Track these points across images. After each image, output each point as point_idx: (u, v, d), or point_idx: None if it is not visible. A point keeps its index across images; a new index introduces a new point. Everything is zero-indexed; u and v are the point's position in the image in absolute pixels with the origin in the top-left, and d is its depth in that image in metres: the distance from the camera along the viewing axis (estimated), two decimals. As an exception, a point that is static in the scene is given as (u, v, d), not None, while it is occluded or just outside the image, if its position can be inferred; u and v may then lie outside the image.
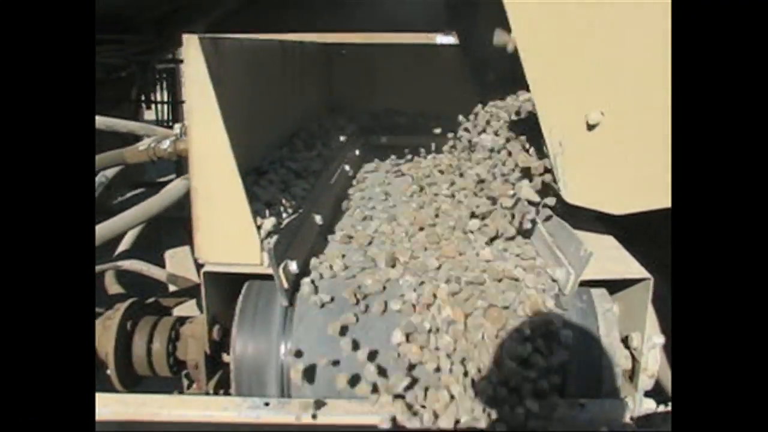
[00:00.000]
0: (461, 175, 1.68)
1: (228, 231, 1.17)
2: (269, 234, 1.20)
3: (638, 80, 1.09)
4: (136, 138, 1.79)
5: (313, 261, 1.28)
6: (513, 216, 1.39)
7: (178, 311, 1.64)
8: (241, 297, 1.23)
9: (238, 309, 1.21)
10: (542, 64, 1.13)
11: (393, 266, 1.25)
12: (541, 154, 1.34)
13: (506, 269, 1.22)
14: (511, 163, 1.42)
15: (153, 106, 4.87)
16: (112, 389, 1.28)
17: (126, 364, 1.32)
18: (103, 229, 1.53)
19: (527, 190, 1.33)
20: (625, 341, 1.18)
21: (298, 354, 1.13)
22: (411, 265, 1.25)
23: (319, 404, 1.08)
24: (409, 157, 2.21)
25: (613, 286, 1.20)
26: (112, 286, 2.08)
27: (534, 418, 1.03)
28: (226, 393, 1.24)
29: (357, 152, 2.35)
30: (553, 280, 1.19)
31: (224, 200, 1.16)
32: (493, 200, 1.43)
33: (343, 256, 1.31)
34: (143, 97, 3.84)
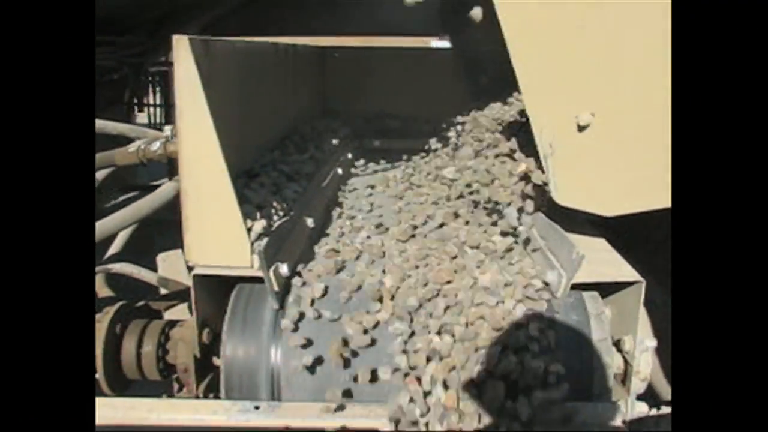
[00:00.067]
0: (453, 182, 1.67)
1: (218, 233, 1.16)
2: (260, 236, 1.19)
3: (629, 82, 1.09)
4: (127, 140, 1.77)
5: (295, 285, 1.20)
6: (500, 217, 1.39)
7: (168, 315, 1.63)
8: (231, 300, 1.22)
9: (228, 312, 1.20)
10: (533, 65, 1.13)
11: (380, 300, 1.16)
12: (531, 157, 1.34)
13: (506, 311, 1.13)
14: (498, 167, 1.42)
15: (145, 109, 4.87)
16: (100, 393, 1.27)
17: (115, 367, 1.30)
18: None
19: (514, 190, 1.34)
20: (618, 344, 1.18)
21: None
22: (400, 299, 1.16)
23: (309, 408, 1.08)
24: (400, 160, 2.20)
25: (605, 289, 1.20)
26: (102, 289, 2.07)
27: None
28: (217, 397, 1.23)
29: (350, 155, 2.34)
30: (545, 284, 1.19)
31: (214, 202, 1.15)
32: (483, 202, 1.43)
33: (326, 289, 1.21)
34: (136, 100, 3.82)
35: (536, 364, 1.06)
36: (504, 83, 1.81)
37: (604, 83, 1.10)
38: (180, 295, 1.73)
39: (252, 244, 1.17)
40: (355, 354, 1.12)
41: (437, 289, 1.17)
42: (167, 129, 1.65)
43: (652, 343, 1.12)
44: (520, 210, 1.34)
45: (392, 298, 1.17)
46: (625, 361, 1.17)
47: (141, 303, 1.46)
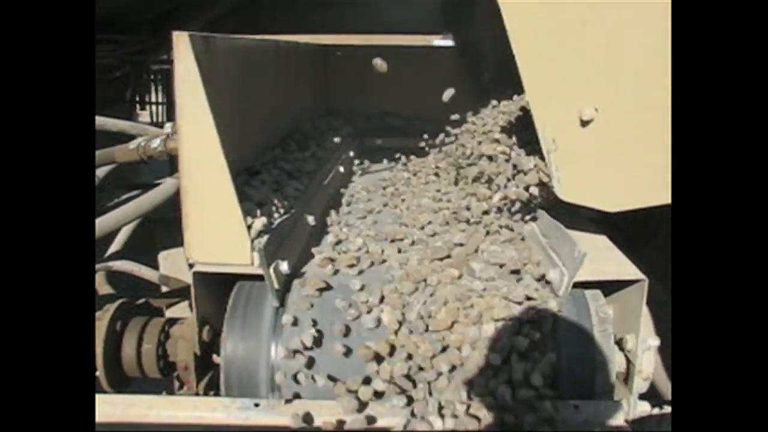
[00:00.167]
0: (457, 180, 1.66)
1: (218, 231, 1.16)
2: (260, 234, 1.19)
3: (633, 76, 1.08)
4: (128, 138, 1.77)
5: (287, 322, 1.14)
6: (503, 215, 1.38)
7: (169, 312, 1.63)
8: (231, 297, 1.22)
9: (229, 310, 1.20)
10: (536, 60, 1.12)
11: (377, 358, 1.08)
12: (533, 154, 1.34)
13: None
14: (500, 165, 1.41)
15: (147, 106, 4.87)
16: (101, 390, 1.26)
17: (115, 365, 1.30)
18: (92, 228, 1.51)
19: (515, 191, 1.33)
20: (620, 343, 1.17)
21: None
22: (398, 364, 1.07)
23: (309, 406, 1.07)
24: (402, 159, 2.20)
25: (608, 288, 1.19)
26: (103, 287, 2.07)
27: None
28: (217, 394, 1.23)
29: (351, 154, 2.34)
30: (547, 282, 1.18)
31: (214, 199, 1.15)
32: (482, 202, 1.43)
33: (315, 327, 1.14)
34: (138, 98, 3.82)
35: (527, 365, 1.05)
36: (506, 81, 1.81)
37: (608, 78, 1.10)
38: (181, 293, 1.73)
39: (252, 241, 1.16)
40: None
41: (440, 342, 1.09)
42: (168, 126, 1.65)
43: (655, 342, 1.12)
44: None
45: (390, 351, 1.09)
46: (628, 360, 1.17)
47: (141, 301, 1.46)
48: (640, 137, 1.10)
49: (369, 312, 1.15)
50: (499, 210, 1.43)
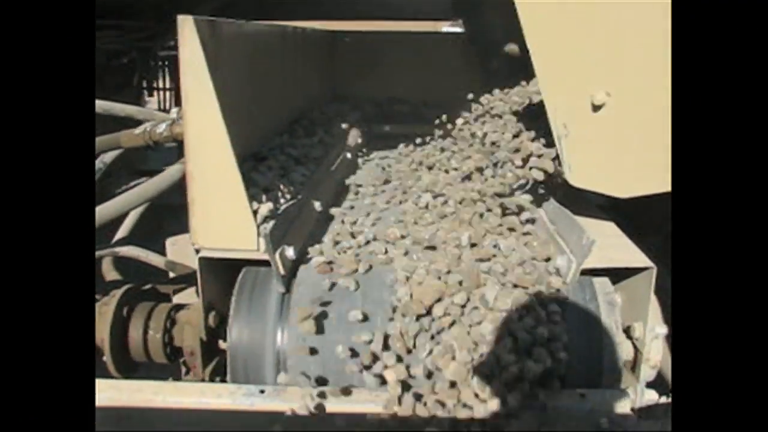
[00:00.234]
0: (468, 176, 1.63)
1: (224, 216, 1.15)
2: (266, 219, 1.18)
3: (645, 60, 1.06)
4: (135, 123, 1.76)
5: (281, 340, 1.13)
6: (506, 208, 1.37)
7: (176, 298, 1.63)
8: (237, 283, 1.21)
9: (235, 295, 1.20)
10: (547, 44, 1.11)
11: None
12: (544, 140, 1.33)
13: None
14: (506, 152, 1.40)
15: (155, 93, 4.86)
16: (108, 375, 1.27)
17: (122, 350, 1.30)
18: (97, 213, 1.50)
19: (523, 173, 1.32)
20: (628, 331, 1.16)
21: None
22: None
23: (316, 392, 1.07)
24: (409, 147, 2.18)
25: (616, 275, 1.18)
26: (110, 273, 2.07)
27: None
28: (223, 380, 1.23)
29: (359, 140, 2.32)
30: (555, 269, 1.17)
31: (220, 185, 1.14)
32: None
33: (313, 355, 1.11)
34: (145, 84, 3.82)
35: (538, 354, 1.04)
36: (515, 67, 1.80)
37: (619, 62, 1.08)
38: (188, 279, 1.73)
39: (258, 227, 1.16)
40: None
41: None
42: (174, 111, 1.64)
43: (663, 330, 1.11)
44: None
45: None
46: (636, 348, 1.16)
47: (148, 286, 1.46)
48: (651, 122, 1.08)
49: (372, 364, 1.07)
50: (510, 193, 1.41)
